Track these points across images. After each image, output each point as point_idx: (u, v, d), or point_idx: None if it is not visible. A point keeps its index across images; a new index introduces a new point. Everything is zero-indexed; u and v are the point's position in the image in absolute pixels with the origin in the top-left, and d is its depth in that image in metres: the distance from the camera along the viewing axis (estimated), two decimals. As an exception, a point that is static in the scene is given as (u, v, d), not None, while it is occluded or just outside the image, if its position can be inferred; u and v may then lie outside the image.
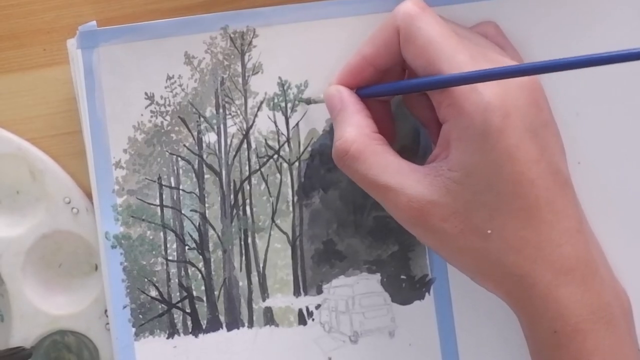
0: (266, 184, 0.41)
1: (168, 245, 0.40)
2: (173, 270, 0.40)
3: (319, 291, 0.41)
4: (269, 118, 0.41)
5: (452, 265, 0.36)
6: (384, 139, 0.36)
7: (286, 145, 0.41)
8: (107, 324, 0.41)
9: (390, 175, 0.34)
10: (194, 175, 0.41)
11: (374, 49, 0.36)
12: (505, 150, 0.32)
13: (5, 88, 0.42)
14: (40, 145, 0.42)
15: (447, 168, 0.33)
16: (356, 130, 0.35)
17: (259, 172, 0.41)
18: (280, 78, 0.41)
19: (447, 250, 0.35)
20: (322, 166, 0.41)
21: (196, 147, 0.41)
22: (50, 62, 0.42)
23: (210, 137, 0.41)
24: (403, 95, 0.39)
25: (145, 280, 0.40)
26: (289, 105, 0.41)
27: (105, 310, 0.41)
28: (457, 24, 0.38)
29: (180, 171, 0.41)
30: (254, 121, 0.41)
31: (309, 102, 0.40)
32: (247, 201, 0.41)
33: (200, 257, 0.41)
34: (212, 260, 0.41)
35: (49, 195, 0.41)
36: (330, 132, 0.41)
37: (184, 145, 0.41)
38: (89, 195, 0.41)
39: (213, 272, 0.41)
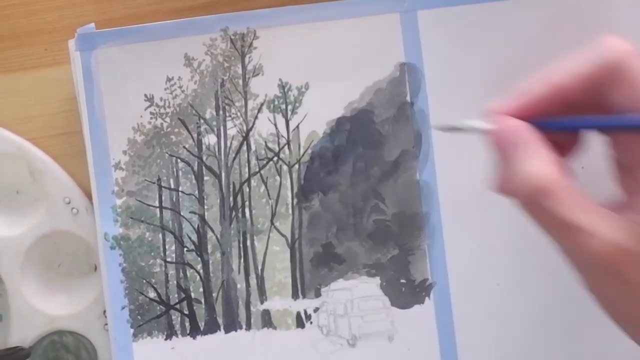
0: (265, 186, 0.41)
1: (167, 247, 0.41)
2: (171, 271, 0.41)
3: (318, 294, 0.41)
4: (269, 120, 0.41)
5: (622, 322, 0.32)
6: (573, 176, 0.31)
7: (286, 147, 0.41)
8: (106, 324, 0.41)
9: (586, 215, 0.29)
10: (193, 177, 0.41)
11: (575, 83, 0.30)
12: None
13: (5, 88, 0.42)
14: (41, 145, 0.42)
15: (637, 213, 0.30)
16: (546, 165, 0.29)
17: (258, 174, 0.41)
18: (280, 80, 0.41)
19: (630, 303, 0.31)
20: (322, 169, 0.41)
21: (196, 149, 0.41)
22: (51, 62, 0.42)
23: (210, 139, 0.41)
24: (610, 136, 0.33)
25: (144, 281, 0.40)
26: (289, 107, 0.41)
27: (104, 311, 0.41)
28: None
29: (180, 173, 0.41)
30: (254, 123, 0.41)
31: (444, 129, 0.33)
32: (247, 203, 0.41)
33: (199, 259, 0.41)
34: (210, 262, 0.41)
35: (49, 196, 0.41)
36: (330, 134, 0.40)
37: (184, 147, 0.41)
38: (88, 196, 0.41)
39: (211, 274, 0.41)
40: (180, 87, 0.40)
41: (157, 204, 0.41)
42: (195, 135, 0.41)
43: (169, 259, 0.41)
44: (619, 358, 0.40)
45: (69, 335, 0.42)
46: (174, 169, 0.41)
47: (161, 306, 0.40)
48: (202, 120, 0.41)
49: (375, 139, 0.40)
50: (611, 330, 0.32)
